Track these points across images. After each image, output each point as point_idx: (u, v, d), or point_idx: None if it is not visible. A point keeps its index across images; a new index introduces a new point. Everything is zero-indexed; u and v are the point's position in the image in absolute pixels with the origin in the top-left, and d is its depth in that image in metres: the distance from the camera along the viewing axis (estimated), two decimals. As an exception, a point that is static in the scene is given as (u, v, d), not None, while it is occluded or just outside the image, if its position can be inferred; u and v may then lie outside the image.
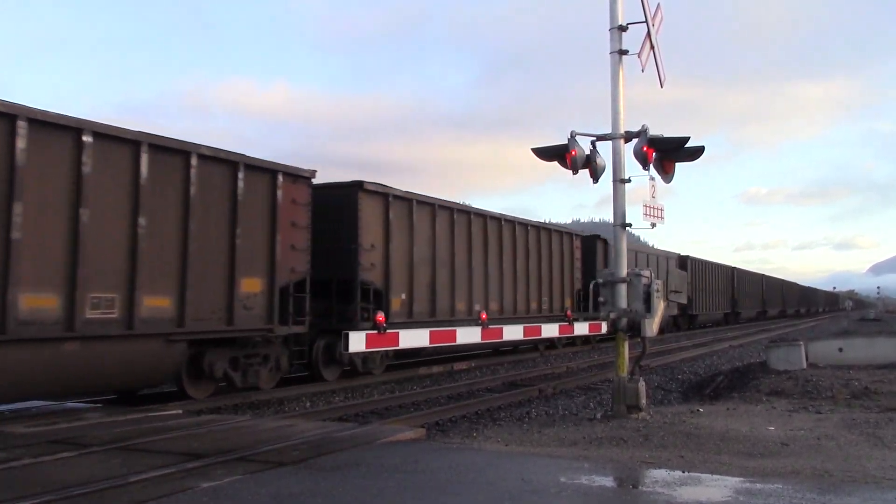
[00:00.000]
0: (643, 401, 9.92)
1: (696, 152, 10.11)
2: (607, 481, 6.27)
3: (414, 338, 16.72)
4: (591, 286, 10.66)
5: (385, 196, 16.22)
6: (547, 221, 24.99)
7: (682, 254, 41.31)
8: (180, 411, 10.47)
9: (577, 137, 10.30)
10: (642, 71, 10.26)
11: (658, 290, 10.13)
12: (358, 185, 15.56)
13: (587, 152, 10.36)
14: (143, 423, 9.03)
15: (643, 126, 10.02)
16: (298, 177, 13.79)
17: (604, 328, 24.88)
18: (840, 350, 16.38)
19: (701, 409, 10.69)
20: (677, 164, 10.25)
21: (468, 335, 18.56)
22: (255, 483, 5.80)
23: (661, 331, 31.36)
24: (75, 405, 11.00)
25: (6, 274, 9.14)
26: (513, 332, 20.68)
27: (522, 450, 7.69)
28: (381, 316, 15.49)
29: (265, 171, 13.03)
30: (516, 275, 21.47)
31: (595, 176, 10.47)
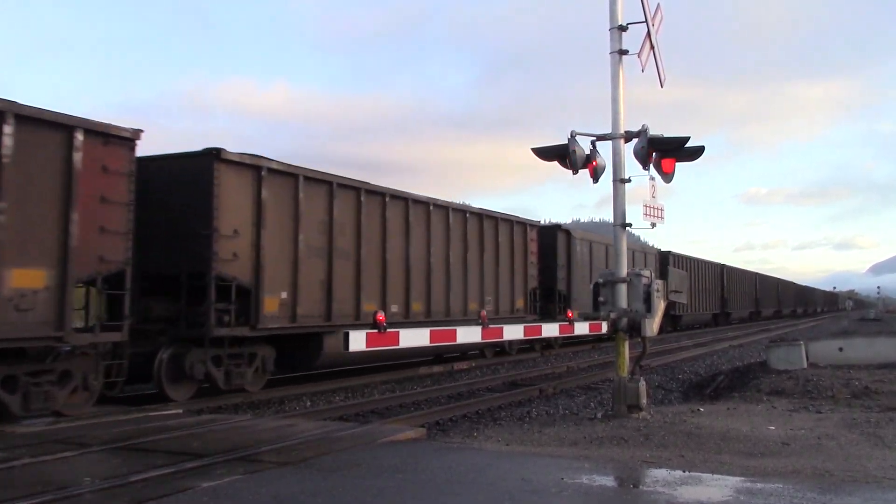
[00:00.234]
0: (644, 400, 9.91)
1: (696, 152, 10.11)
2: (608, 481, 6.27)
3: (414, 338, 16.66)
4: (592, 286, 10.65)
5: (256, 169, 12.93)
6: (510, 214, 21.82)
7: (662, 249, 38.69)
8: (180, 411, 10.48)
9: (578, 137, 10.30)
10: (642, 71, 10.26)
11: (658, 290, 10.13)
12: (214, 154, 12.27)
13: (587, 152, 10.36)
14: (143, 422, 9.04)
15: (643, 126, 10.02)
16: (111, 137, 10.36)
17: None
18: (840, 350, 16.37)
19: (701, 409, 10.69)
20: (677, 164, 10.25)
21: (470, 335, 18.51)
22: (256, 483, 5.80)
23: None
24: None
25: None
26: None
27: (523, 449, 7.69)
28: (381, 315, 15.47)
29: (54, 127, 9.69)
30: (450, 271, 18.36)
31: (595, 176, 10.47)
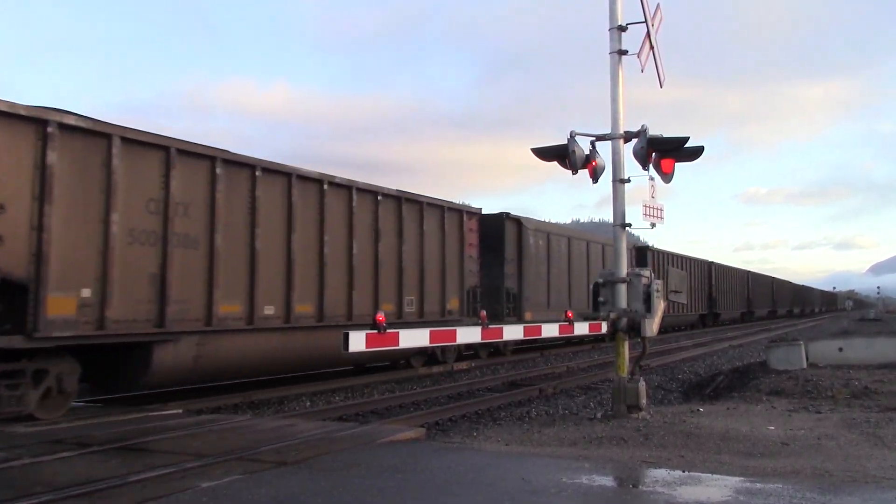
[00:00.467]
0: (643, 400, 9.92)
1: (696, 152, 10.12)
2: (607, 481, 6.27)
3: (413, 338, 16.61)
4: (592, 286, 10.65)
5: (38, 124, 9.63)
6: (439, 198, 18.21)
7: (640, 244, 34.83)
8: (180, 411, 10.47)
9: (577, 137, 10.31)
10: (642, 71, 10.27)
11: (658, 290, 10.14)
12: None
13: (587, 152, 10.36)
14: (143, 422, 9.04)
15: (643, 126, 10.03)
16: None
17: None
18: (840, 350, 16.38)
19: (701, 409, 10.70)
20: (677, 164, 10.25)
21: (469, 335, 18.48)
22: (255, 483, 5.80)
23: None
24: (76, 405, 11.00)
25: None
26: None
27: (523, 449, 7.69)
28: (380, 315, 15.45)
29: None
30: (353, 265, 14.93)
31: (595, 176, 10.47)
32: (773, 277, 75.96)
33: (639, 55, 10.23)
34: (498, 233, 21.76)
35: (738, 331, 43.78)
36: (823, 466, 6.78)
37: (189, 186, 11.68)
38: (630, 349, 10.37)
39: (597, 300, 10.36)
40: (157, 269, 11.16)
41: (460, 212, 18.94)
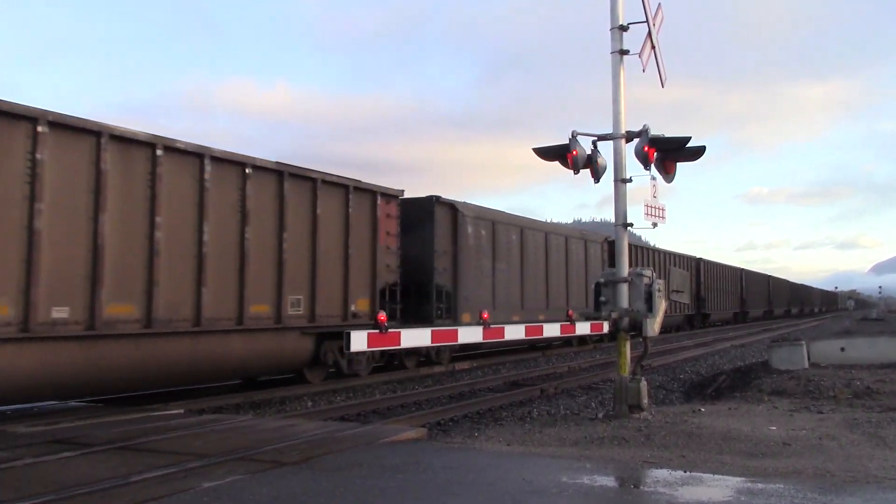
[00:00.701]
0: (645, 400, 9.91)
1: (698, 152, 10.12)
2: (609, 481, 6.27)
3: (415, 338, 16.61)
4: (594, 286, 10.65)
5: None
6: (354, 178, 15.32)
7: (609, 238, 28.77)
8: (182, 411, 10.48)
9: (579, 137, 10.31)
10: (643, 71, 10.27)
11: (660, 290, 10.13)
12: None
13: (588, 152, 10.37)
14: (144, 422, 9.04)
15: (644, 126, 10.02)
16: None
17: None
18: (842, 350, 16.36)
19: (703, 409, 10.69)
20: (678, 164, 10.25)
21: (471, 335, 18.48)
22: (257, 483, 5.81)
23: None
24: (76, 404, 11.01)
25: None
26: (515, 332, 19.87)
27: (524, 450, 7.69)
28: (382, 315, 15.46)
29: None
30: (203, 254, 11.86)
31: (596, 176, 10.47)
32: (770, 276, 71.82)
33: (640, 55, 10.23)
34: (426, 220, 18.17)
35: (739, 331, 43.73)
36: (825, 467, 6.77)
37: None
38: (631, 349, 10.37)
39: (598, 300, 10.35)
40: None
41: (373, 193, 15.65)
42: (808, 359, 15.47)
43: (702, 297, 43.26)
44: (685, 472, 6.39)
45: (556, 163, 10.57)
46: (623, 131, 10.21)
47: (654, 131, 9.95)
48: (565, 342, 26.11)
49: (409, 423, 10.62)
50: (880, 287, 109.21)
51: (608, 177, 10.39)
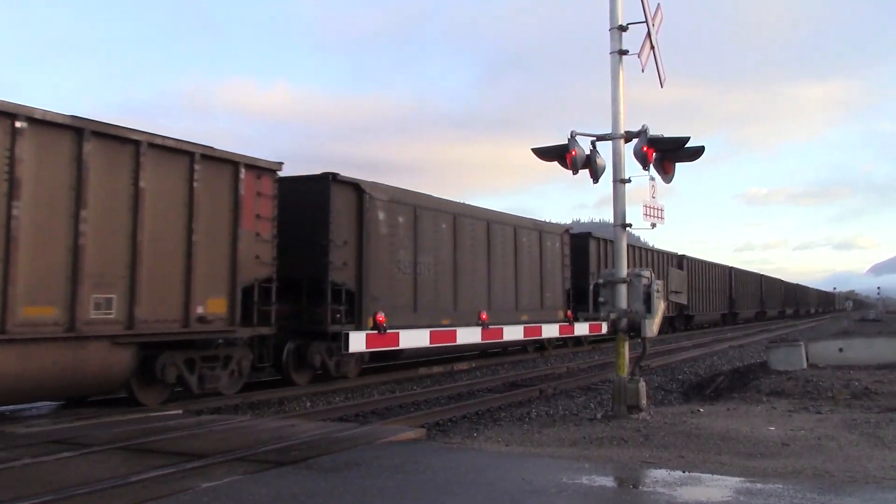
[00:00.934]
0: (643, 401, 9.92)
1: (697, 152, 10.12)
2: (608, 481, 6.27)
3: (414, 339, 16.52)
4: (592, 287, 10.65)
5: None
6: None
7: (578, 232, 27.77)
8: (181, 411, 10.47)
9: (578, 137, 10.31)
10: (642, 71, 10.28)
11: (658, 291, 10.14)
12: None
13: (587, 152, 10.37)
14: (144, 423, 9.04)
15: (643, 126, 10.03)
16: None
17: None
18: (840, 350, 16.38)
19: (701, 410, 10.69)
20: (677, 165, 10.26)
21: (470, 335, 18.39)
22: (256, 483, 5.81)
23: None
24: (76, 405, 11.01)
25: None
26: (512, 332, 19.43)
27: (523, 450, 7.69)
28: (381, 316, 15.43)
29: None
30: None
31: (595, 176, 10.48)
32: (762, 275, 67.22)
33: (639, 55, 10.24)
34: (320, 203, 14.80)
35: (739, 331, 43.73)
36: (824, 467, 6.77)
37: None
38: (630, 350, 10.37)
39: (597, 300, 10.36)
40: None
41: (233, 165, 12.30)
42: (807, 359, 15.48)
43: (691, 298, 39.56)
44: (684, 472, 6.39)
45: (556, 163, 10.58)
46: (622, 131, 10.22)
47: (653, 131, 9.95)
48: (522, 349, 23.74)
49: (407, 423, 10.62)
50: (879, 288, 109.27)
51: (607, 177, 10.40)
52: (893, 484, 6.15)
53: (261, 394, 13.44)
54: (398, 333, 15.75)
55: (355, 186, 15.56)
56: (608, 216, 10.80)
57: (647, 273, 10.25)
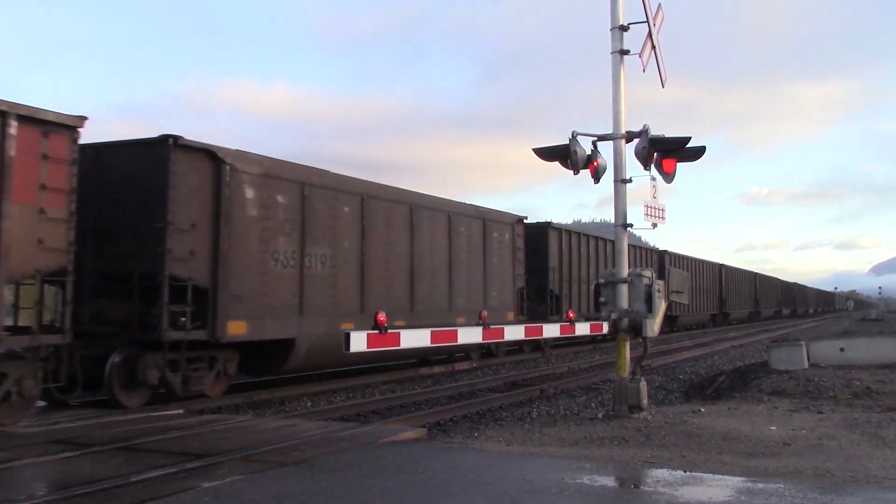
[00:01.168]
0: (644, 401, 9.91)
1: (698, 152, 10.11)
2: (609, 481, 6.27)
3: (415, 339, 16.38)
4: (594, 287, 10.64)
5: None
6: None
7: (522, 217, 21.88)
8: (182, 411, 10.48)
9: (579, 137, 10.30)
10: (643, 71, 10.26)
11: (659, 291, 10.14)
12: None
13: (588, 152, 10.36)
14: (145, 422, 9.05)
15: (644, 126, 10.02)
16: None
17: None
18: (842, 350, 16.36)
19: (702, 409, 10.69)
20: (678, 165, 10.24)
21: (470, 335, 18.28)
22: (257, 483, 5.81)
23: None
24: (77, 404, 11.00)
25: None
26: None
27: (524, 450, 7.68)
28: (381, 316, 15.40)
29: None
30: None
31: (596, 176, 10.46)
32: (756, 273, 62.91)
33: (640, 55, 10.23)
34: (157, 175, 11.42)
35: (740, 331, 43.70)
36: (825, 466, 6.77)
37: None
38: (631, 349, 10.37)
39: (598, 300, 10.36)
40: None
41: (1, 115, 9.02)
42: (808, 359, 15.47)
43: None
44: (685, 471, 6.39)
45: (556, 163, 10.57)
46: (623, 131, 10.21)
47: (654, 131, 9.94)
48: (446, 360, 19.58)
49: (408, 423, 10.62)
50: (880, 288, 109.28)
51: (608, 177, 10.38)
52: (894, 484, 6.14)
53: (262, 393, 13.44)
54: (399, 333, 15.60)
55: (210, 155, 12.05)
56: (608, 216, 10.80)
57: (648, 273, 10.25)
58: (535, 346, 23.69)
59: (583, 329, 23.80)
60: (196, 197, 11.83)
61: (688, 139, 9.95)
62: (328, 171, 14.87)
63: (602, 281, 10.43)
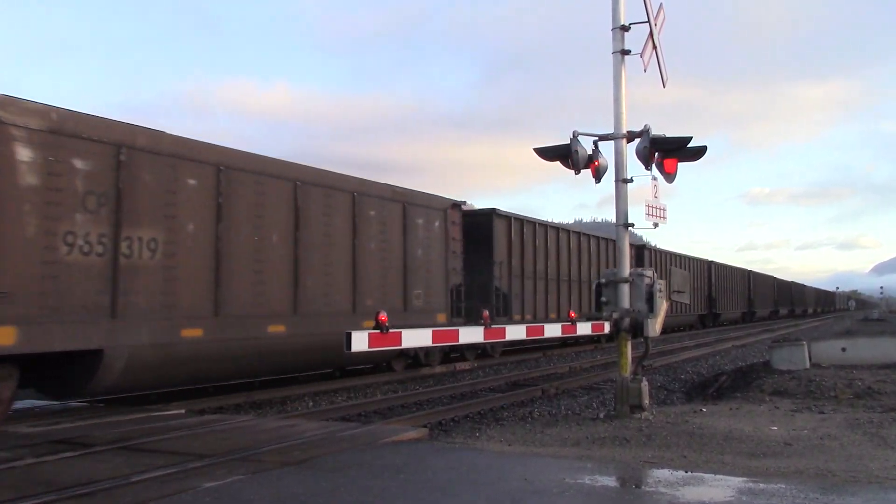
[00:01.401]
0: (646, 401, 9.90)
1: (699, 152, 10.10)
2: (610, 481, 6.26)
3: (416, 338, 16.35)
4: (594, 287, 10.64)
5: None
6: None
7: (459, 202, 18.90)
8: (183, 411, 10.48)
9: (580, 137, 10.30)
10: (644, 71, 10.26)
11: (661, 290, 10.14)
12: None
13: (589, 152, 10.35)
14: (146, 422, 9.04)
15: (645, 126, 10.02)
16: None
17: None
18: (843, 350, 16.34)
19: (704, 409, 10.68)
20: (679, 164, 10.24)
21: (471, 335, 18.20)
22: (258, 483, 5.81)
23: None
24: (77, 405, 11.02)
25: None
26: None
27: (525, 450, 7.68)
28: (383, 315, 15.36)
29: None
30: None
31: (597, 176, 10.46)
32: (750, 270, 58.94)
33: (641, 55, 10.22)
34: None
35: (741, 331, 43.68)
36: (826, 467, 6.76)
37: None
38: (632, 349, 10.36)
39: (599, 300, 10.36)
40: None
41: None
42: (810, 359, 15.45)
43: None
44: (686, 472, 6.38)
45: (557, 163, 10.56)
46: (624, 131, 10.21)
47: (655, 131, 9.94)
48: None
49: (410, 422, 10.63)
50: (882, 287, 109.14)
51: (609, 177, 10.38)
52: (896, 484, 6.14)
53: (263, 393, 13.45)
54: (400, 333, 15.53)
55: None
56: (609, 216, 10.79)
57: (649, 272, 10.25)
58: (482, 351, 20.80)
59: (584, 329, 23.72)
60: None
61: (689, 139, 9.94)
62: (163, 133, 11.46)
63: (603, 280, 10.43)
